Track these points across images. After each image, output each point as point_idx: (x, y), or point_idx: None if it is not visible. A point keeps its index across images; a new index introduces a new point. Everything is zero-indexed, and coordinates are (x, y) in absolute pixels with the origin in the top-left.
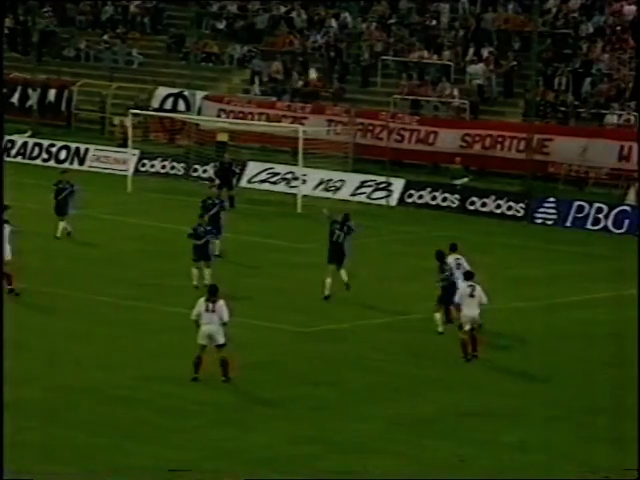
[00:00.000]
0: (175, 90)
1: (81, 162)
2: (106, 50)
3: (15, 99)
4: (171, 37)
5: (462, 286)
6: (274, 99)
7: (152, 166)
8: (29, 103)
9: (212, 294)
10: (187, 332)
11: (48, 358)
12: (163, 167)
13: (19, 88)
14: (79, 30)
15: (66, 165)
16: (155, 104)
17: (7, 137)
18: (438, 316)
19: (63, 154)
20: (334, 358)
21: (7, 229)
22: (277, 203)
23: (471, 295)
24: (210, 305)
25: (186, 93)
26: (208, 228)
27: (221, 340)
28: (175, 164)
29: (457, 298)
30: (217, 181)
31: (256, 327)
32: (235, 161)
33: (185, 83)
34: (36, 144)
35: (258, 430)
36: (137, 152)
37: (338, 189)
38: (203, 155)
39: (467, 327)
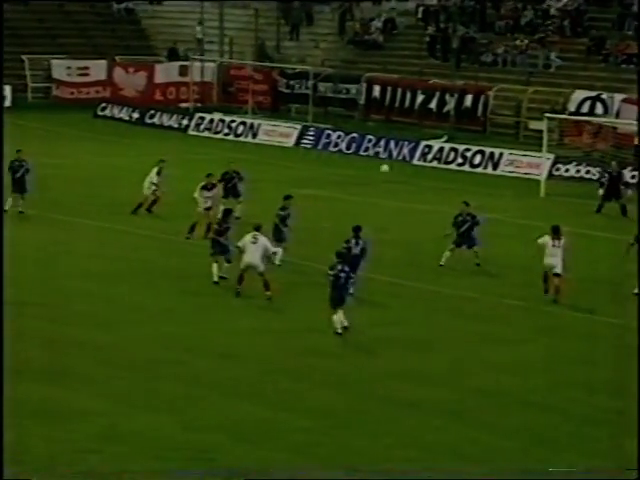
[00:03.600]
0: (593, 93)
1: (495, 166)
2: (523, 54)
3: (433, 105)
4: (591, 39)
5: None
6: None
7: (566, 170)
8: (446, 108)
9: None
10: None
11: (456, 361)
12: (578, 171)
13: (437, 94)
14: (497, 35)
15: (480, 170)
16: (572, 108)
17: (424, 142)
18: None
19: (478, 158)
20: None
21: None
22: None
23: None
24: None
25: (604, 96)
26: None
27: None
28: (590, 168)
29: None
30: (601, 191)
31: None
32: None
33: (604, 86)
34: (452, 149)
35: None
36: (551, 156)
37: None
38: (620, 159)
39: None
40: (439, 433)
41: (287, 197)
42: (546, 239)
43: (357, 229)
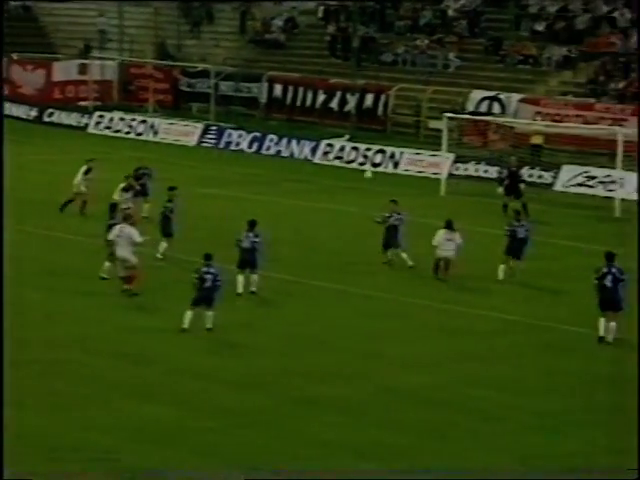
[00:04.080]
0: (491, 93)
1: (396, 165)
2: (423, 54)
3: (334, 104)
4: (489, 40)
5: None
6: (592, 101)
7: (466, 169)
8: (347, 108)
9: None
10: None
11: (357, 358)
12: (476, 170)
13: (338, 93)
14: (397, 35)
15: (380, 169)
16: (470, 107)
17: (326, 141)
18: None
19: (378, 157)
20: None
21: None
22: (593, 207)
23: None
24: None
25: (502, 96)
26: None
27: None
28: (489, 167)
29: None
30: (500, 189)
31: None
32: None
33: (501, 86)
34: (353, 148)
35: (570, 437)
36: (451, 155)
37: None
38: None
39: None
40: (340, 431)
41: (171, 188)
42: (440, 233)
43: (252, 223)
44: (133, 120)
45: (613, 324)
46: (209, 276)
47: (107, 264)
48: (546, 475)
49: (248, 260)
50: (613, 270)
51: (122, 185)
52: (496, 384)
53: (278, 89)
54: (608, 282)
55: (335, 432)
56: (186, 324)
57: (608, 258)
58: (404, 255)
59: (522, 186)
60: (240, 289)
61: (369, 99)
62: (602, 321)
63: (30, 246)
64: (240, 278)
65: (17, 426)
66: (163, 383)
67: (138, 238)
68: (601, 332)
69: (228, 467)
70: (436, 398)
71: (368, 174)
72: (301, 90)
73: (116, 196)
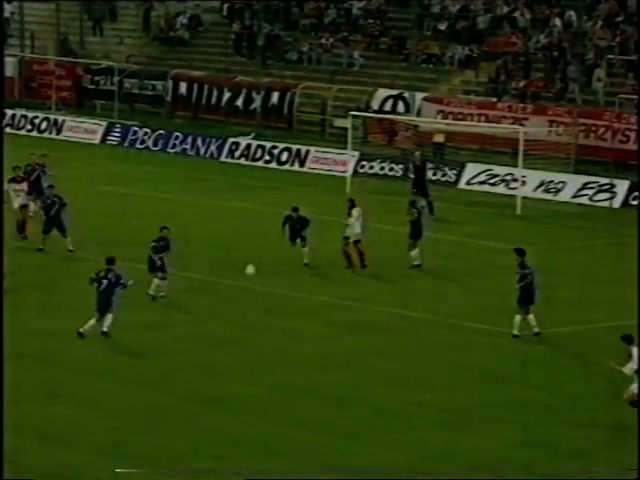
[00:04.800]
0: (395, 92)
1: (302, 164)
2: (328, 53)
3: (240, 102)
4: (392, 39)
5: None
6: (494, 100)
7: (371, 167)
8: (253, 106)
9: None
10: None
11: (263, 356)
12: (382, 169)
13: (244, 91)
14: (302, 33)
15: (287, 167)
16: (375, 106)
17: (232, 139)
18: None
19: (285, 156)
20: (553, 362)
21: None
22: (496, 205)
23: None
24: None
25: (406, 95)
26: None
27: None
28: (394, 165)
29: None
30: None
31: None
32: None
33: (405, 85)
34: (259, 146)
35: (474, 433)
36: (356, 154)
37: (559, 191)
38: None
39: None
40: (247, 429)
41: (50, 187)
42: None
43: (163, 228)
44: (35, 117)
45: (532, 316)
46: (105, 281)
47: None
48: (545, 476)
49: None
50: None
51: (10, 177)
52: (401, 381)
53: (183, 87)
54: (530, 279)
55: (241, 430)
56: (85, 329)
57: (519, 254)
58: (305, 250)
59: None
60: (152, 291)
61: (275, 97)
62: (518, 318)
63: None
64: (155, 281)
65: None
66: (66, 383)
67: None
68: (516, 330)
69: (135, 466)
70: (343, 396)
71: (250, 270)
72: (206, 88)
73: (6, 187)
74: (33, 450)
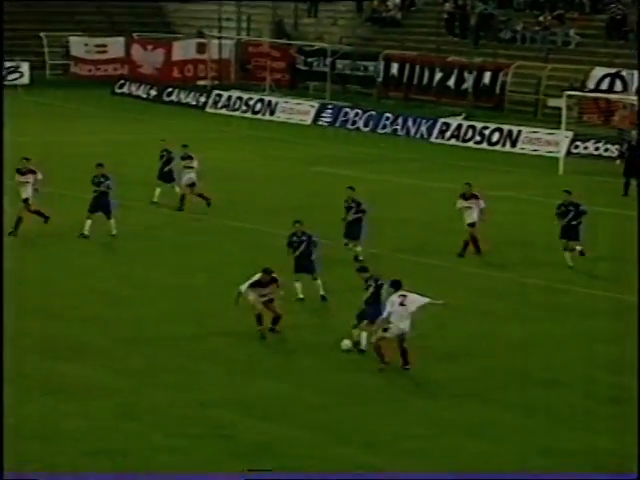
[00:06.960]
0: (612, 70)
1: (513, 144)
2: (543, 31)
3: (451, 82)
4: (611, 16)
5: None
6: None
7: (585, 148)
8: (464, 86)
9: None
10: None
11: (474, 339)
12: (596, 149)
13: (455, 71)
14: (516, 12)
15: (497, 147)
16: (591, 85)
17: (442, 120)
18: None
19: (496, 136)
20: None
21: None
22: None
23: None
24: None
25: (624, 73)
26: None
27: None
28: (609, 146)
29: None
30: (618, 161)
31: None
32: None
33: (623, 63)
34: (470, 126)
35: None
36: (570, 134)
37: None
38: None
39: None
40: (454, 411)
41: (99, 165)
42: (459, 202)
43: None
44: (250, 99)
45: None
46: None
47: None
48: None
49: (304, 265)
50: None
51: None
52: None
53: (394, 67)
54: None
55: (449, 412)
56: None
57: None
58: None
59: None
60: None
61: (486, 77)
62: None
63: None
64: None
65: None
66: (280, 361)
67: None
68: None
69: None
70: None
71: (346, 343)
72: (417, 68)
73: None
74: (243, 425)
